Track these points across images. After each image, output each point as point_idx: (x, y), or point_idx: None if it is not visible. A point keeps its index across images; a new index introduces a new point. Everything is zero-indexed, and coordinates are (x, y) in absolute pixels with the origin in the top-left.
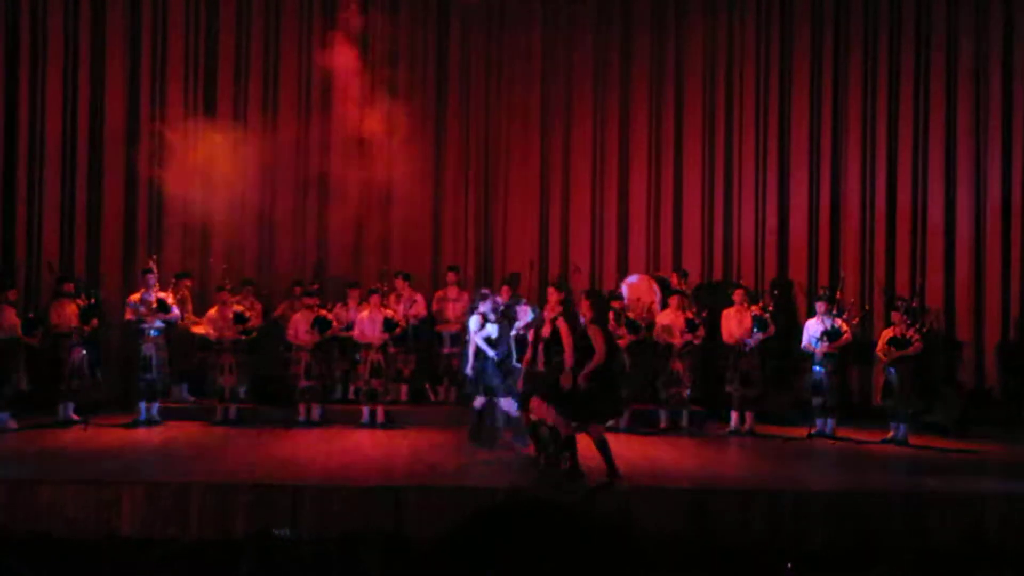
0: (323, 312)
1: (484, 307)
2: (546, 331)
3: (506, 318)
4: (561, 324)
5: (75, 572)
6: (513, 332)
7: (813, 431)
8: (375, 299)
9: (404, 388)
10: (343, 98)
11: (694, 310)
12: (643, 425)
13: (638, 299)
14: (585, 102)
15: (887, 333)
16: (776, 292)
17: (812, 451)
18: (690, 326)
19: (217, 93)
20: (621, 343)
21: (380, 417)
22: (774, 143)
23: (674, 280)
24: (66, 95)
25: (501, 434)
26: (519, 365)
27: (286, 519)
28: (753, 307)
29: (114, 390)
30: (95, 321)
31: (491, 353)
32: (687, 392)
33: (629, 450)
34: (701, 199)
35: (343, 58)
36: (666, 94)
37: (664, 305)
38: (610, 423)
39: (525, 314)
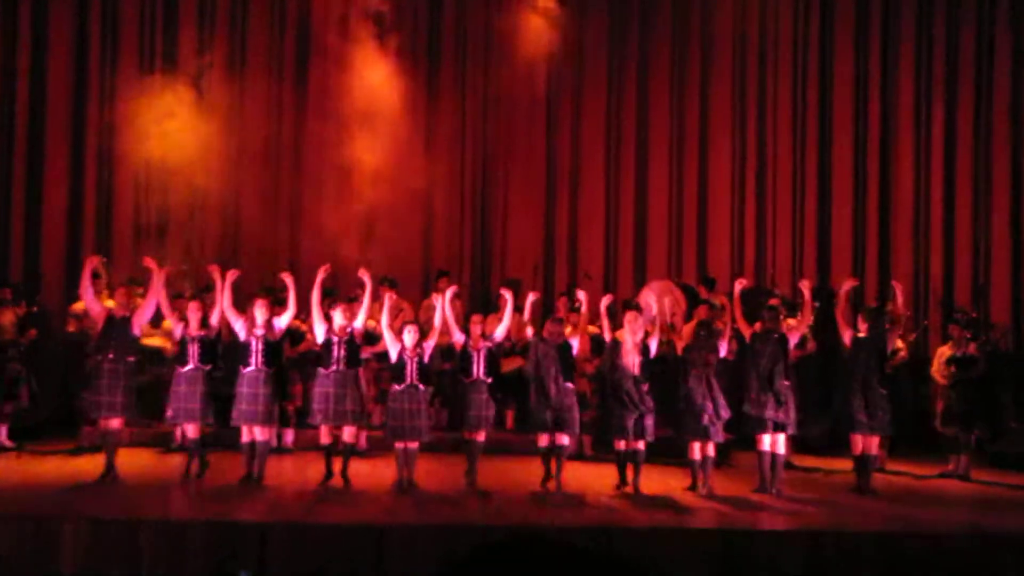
0: (296, 323)
1: None
2: None
3: None
4: None
5: None
6: None
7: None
8: (355, 308)
9: None
10: (320, 75)
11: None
12: (664, 453)
13: (660, 310)
14: (598, 84)
15: (944, 351)
16: (817, 304)
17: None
18: None
19: (177, 57)
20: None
21: (362, 443)
22: (813, 133)
23: (702, 292)
24: (4, 65)
25: None
26: None
27: (251, 561)
28: (790, 320)
29: (54, 411)
30: (33, 332)
31: None
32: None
33: (648, 482)
34: (730, 197)
35: (322, 33)
36: (691, 75)
37: (689, 317)
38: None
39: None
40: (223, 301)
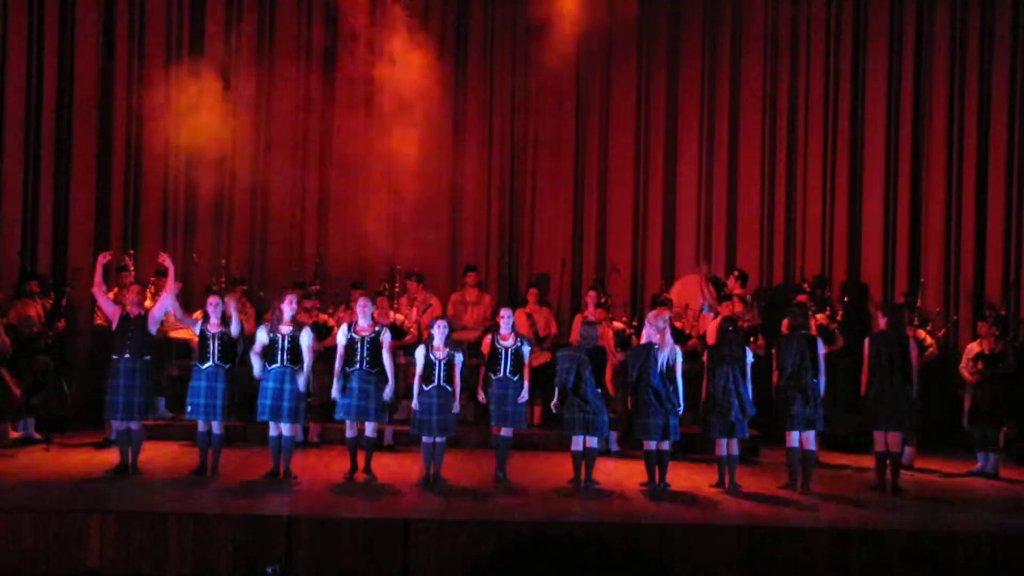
0: (324, 317)
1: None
2: None
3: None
4: None
5: None
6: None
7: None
8: (382, 302)
9: None
10: (348, 65)
11: (753, 313)
12: (691, 450)
13: (687, 305)
14: (628, 75)
15: (973, 347)
16: (846, 298)
17: (886, 483)
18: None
19: (204, 45)
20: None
21: (387, 438)
22: (845, 125)
23: (732, 286)
24: (30, 53)
25: None
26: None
27: (278, 554)
28: (819, 315)
29: (82, 404)
30: (61, 324)
31: None
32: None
33: (675, 479)
34: (760, 190)
35: (350, 20)
36: (721, 68)
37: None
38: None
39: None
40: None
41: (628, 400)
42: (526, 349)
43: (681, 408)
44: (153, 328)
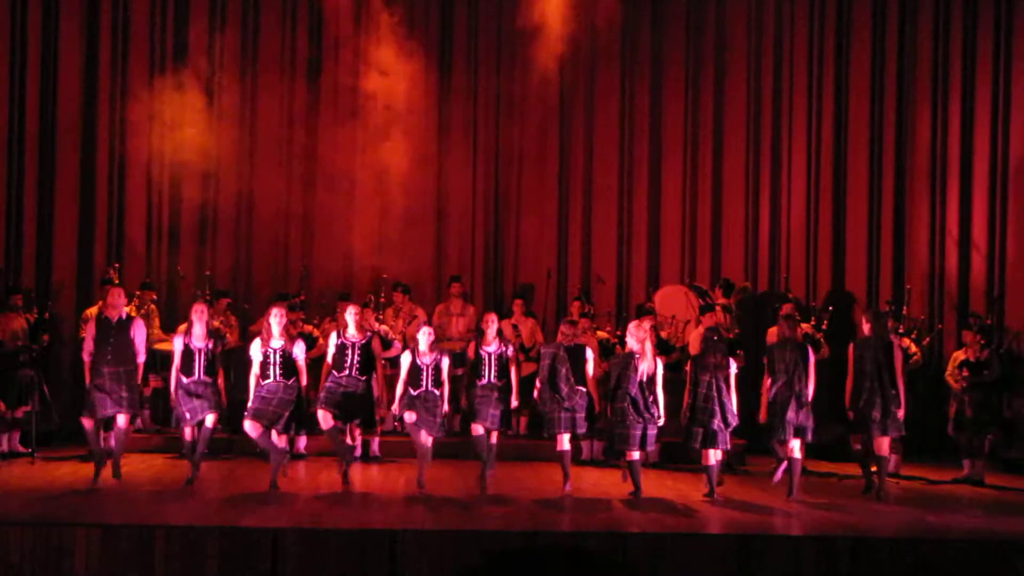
0: (309, 328)
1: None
2: None
3: None
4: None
5: None
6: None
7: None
8: (367, 313)
9: None
10: (333, 76)
11: (731, 323)
12: (674, 460)
13: (673, 315)
14: (612, 86)
15: (958, 355)
16: (831, 307)
17: (873, 486)
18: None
19: (188, 56)
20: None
21: (374, 449)
22: (828, 136)
23: (718, 296)
24: (13, 66)
25: None
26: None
27: (265, 566)
28: (804, 325)
29: (67, 417)
30: (46, 338)
31: None
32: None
33: (661, 488)
34: (745, 200)
35: (334, 31)
36: (705, 77)
37: (697, 321)
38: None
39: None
40: None
41: (609, 409)
42: (511, 352)
43: (662, 420)
44: (141, 352)
